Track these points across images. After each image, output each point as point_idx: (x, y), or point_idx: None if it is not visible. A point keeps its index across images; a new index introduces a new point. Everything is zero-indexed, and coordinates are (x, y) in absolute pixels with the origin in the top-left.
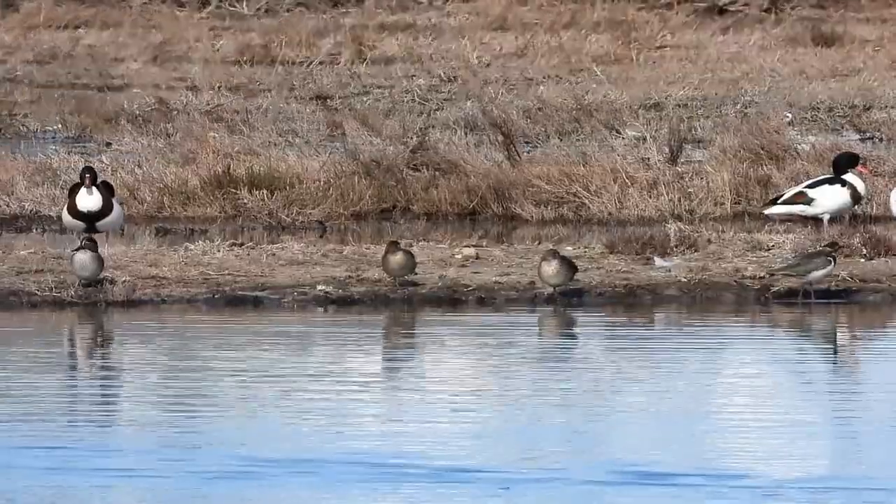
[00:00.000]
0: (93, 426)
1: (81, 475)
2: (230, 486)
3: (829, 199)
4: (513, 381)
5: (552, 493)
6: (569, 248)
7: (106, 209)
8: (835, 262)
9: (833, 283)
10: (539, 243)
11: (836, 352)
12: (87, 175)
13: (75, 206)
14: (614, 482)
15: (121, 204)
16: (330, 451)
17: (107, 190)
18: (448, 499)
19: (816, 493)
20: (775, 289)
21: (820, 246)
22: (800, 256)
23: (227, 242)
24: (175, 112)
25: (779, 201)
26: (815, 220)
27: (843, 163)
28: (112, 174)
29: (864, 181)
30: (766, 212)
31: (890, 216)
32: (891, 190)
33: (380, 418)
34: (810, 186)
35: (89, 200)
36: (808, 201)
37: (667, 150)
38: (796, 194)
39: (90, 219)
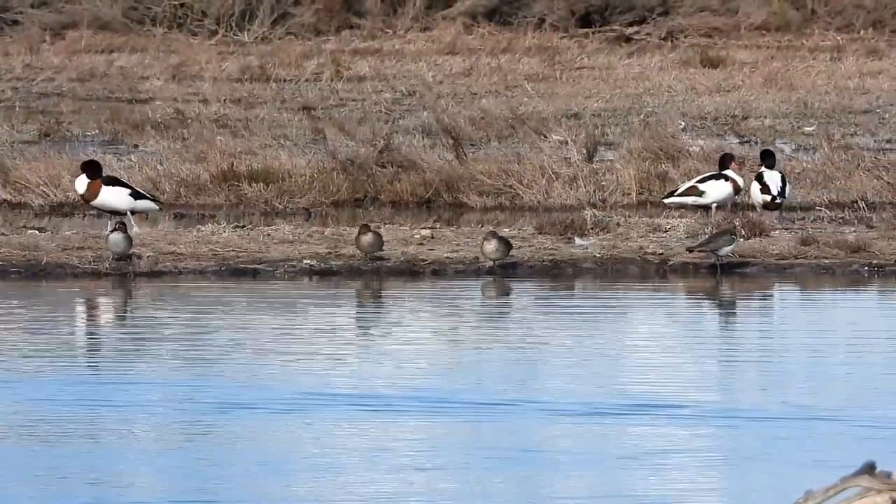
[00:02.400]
0: (119, 369)
1: (109, 408)
2: (231, 417)
3: (717, 191)
4: (462, 333)
5: (508, 418)
6: (506, 229)
7: (89, 195)
8: (737, 239)
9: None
10: (482, 226)
11: (720, 310)
12: (82, 167)
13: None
14: (558, 410)
15: (136, 195)
16: (316, 386)
17: (110, 181)
18: (421, 422)
19: (708, 414)
20: (671, 262)
21: (719, 228)
22: (710, 235)
23: (232, 225)
24: (189, 120)
25: (675, 193)
26: (705, 208)
27: (725, 162)
28: (139, 170)
29: (742, 176)
30: (666, 201)
31: (752, 203)
32: (750, 182)
33: (356, 362)
34: (700, 181)
35: (77, 186)
36: (700, 193)
37: (584, 151)
38: (689, 188)
39: (85, 200)
